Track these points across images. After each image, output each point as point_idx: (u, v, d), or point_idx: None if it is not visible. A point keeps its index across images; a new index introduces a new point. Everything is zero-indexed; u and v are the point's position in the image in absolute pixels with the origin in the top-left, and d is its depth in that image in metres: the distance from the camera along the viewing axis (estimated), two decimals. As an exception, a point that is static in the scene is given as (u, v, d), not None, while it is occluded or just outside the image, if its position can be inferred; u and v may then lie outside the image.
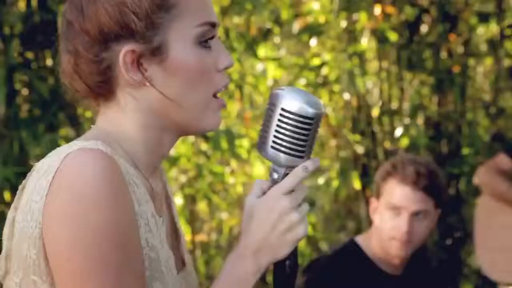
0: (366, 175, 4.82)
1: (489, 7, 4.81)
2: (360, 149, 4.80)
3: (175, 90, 1.14)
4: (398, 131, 4.63)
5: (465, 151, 4.75)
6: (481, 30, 5.01)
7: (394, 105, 4.79)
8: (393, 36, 4.58)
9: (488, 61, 5.14)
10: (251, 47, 4.01)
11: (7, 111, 3.29)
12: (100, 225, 1.03)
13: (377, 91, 4.82)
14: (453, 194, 4.77)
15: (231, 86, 4.39)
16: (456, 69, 4.82)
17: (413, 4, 4.60)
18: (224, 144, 3.76)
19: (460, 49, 4.79)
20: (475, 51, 4.94)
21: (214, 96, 1.18)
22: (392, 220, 2.30)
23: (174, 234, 1.27)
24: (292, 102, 1.14)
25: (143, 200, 1.13)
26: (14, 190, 3.45)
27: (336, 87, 4.73)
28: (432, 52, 4.69)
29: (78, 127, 3.59)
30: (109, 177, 1.04)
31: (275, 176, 1.17)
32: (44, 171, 1.07)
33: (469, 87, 4.95)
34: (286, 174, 1.16)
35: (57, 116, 3.39)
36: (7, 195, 3.37)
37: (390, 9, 4.58)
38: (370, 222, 4.69)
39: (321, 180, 4.92)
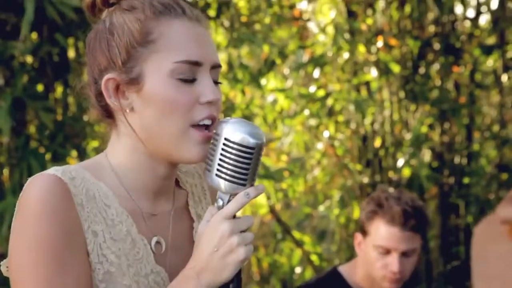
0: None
1: (492, 40, 4.85)
2: (365, 179, 4.84)
3: (151, 118, 1.26)
4: (400, 162, 4.66)
5: (469, 181, 4.77)
6: (487, 61, 5.05)
7: (398, 135, 4.83)
8: (396, 68, 4.63)
9: (494, 92, 5.18)
10: (255, 79, 4.08)
11: (17, 141, 3.37)
12: (34, 240, 1.19)
13: (381, 121, 4.86)
14: (457, 224, 4.79)
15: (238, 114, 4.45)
16: (463, 100, 4.86)
17: (416, 37, 4.66)
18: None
19: (466, 81, 4.83)
20: (480, 82, 4.97)
21: (197, 127, 1.25)
22: (381, 259, 2.31)
23: (191, 253, 1.34)
24: (234, 133, 1.22)
25: (111, 221, 1.25)
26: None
27: (341, 118, 4.79)
28: (436, 84, 4.74)
29: (85, 156, 3.66)
30: (48, 199, 1.20)
31: (220, 203, 1.24)
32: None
33: (477, 118, 4.98)
34: (230, 201, 1.24)
35: (64, 146, 3.46)
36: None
37: (393, 41, 4.64)
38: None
39: (321, 208, 4.96)
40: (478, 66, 4.92)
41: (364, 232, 2.36)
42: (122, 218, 1.27)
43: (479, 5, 4.85)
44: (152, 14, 1.27)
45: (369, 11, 4.73)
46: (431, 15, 4.64)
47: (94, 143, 3.96)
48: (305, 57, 5.10)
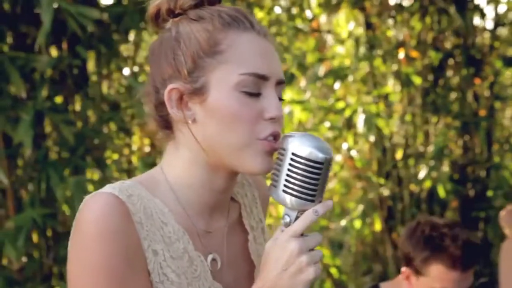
0: (391, 218, 4.81)
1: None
2: (385, 192, 4.80)
3: (214, 130, 1.23)
4: (421, 174, 4.62)
5: (491, 193, 4.72)
6: (507, 73, 5.01)
7: (419, 147, 4.79)
8: (417, 80, 4.60)
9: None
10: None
11: (36, 153, 3.36)
12: (94, 264, 1.16)
13: (402, 133, 4.83)
14: (480, 238, 4.73)
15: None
16: (482, 112, 4.81)
17: (437, 48, 4.63)
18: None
19: (486, 93, 4.79)
20: (501, 94, 4.93)
21: (265, 139, 1.22)
22: None
23: (250, 269, 1.32)
24: (302, 147, 1.18)
25: (168, 239, 1.22)
26: (41, 232, 3.50)
27: (361, 130, 4.76)
28: (457, 96, 4.70)
29: (105, 169, 3.64)
30: (107, 220, 1.16)
31: (287, 219, 1.21)
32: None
33: (496, 130, 4.93)
34: (297, 218, 1.20)
35: (84, 159, 3.44)
36: (35, 237, 3.41)
37: (414, 53, 4.61)
38: (396, 266, 4.68)
39: (343, 222, 4.92)
40: (498, 78, 4.87)
41: (418, 272, 2.28)
42: (178, 236, 1.24)
43: (497, 16, 4.82)
44: (220, 25, 1.24)
45: (390, 22, 4.70)
46: (452, 27, 4.61)
47: (114, 156, 3.95)
48: (321, 70, 5.08)
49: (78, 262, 1.18)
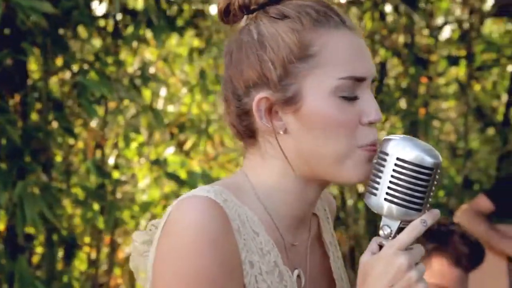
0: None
1: (458, 51, 4.87)
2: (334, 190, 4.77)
3: (310, 141, 1.12)
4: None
5: (440, 193, 4.76)
6: (451, 73, 5.07)
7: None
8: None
9: (457, 104, 5.20)
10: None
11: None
12: (192, 274, 1.05)
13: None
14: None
15: (211, 129, 4.33)
16: (423, 111, 4.84)
17: (385, 47, 4.63)
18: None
19: (432, 92, 4.82)
20: (444, 93, 4.98)
21: (364, 147, 1.13)
22: None
23: (330, 286, 1.23)
24: (408, 151, 1.08)
25: (260, 250, 1.12)
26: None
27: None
28: (405, 95, 4.71)
29: (50, 171, 3.48)
30: (208, 225, 1.06)
31: (388, 230, 1.10)
32: (164, 215, 1.11)
33: (439, 130, 4.98)
34: (401, 229, 1.10)
35: (29, 162, 3.28)
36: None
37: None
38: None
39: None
40: (444, 77, 4.92)
41: None
42: (269, 248, 1.13)
43: (445, 16, 4.86)
44: (310, 24, 1.12)
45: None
46: (400, 26, 4.61)
47: (58, 158, 3.77)
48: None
49: (172, 271, 1.06)
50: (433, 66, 4.81)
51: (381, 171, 1.09)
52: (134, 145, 4.29)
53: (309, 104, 1.11)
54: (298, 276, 1.17)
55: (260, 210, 1.14)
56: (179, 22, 3.87)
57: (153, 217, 4.39)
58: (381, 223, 1.11)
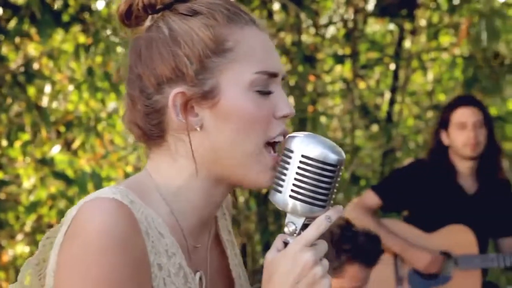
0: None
1: (344, 50, 4.99)
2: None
3: (226, 137, 1.12)
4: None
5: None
6: (336, 71, 5.18)
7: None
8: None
9: (343, 101, 5.32)
10: (115, 87, 3.89)
11: None
12: (101, 278, 1.03)
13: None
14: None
15: (100, 127, 4.24)
16: (311, 108, 4.93)
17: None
18: (90, 188, 3.58)
19: (320, 89, 4.91)
20: (331, 91, 5.09)
21: (268, 145, 1.13)
22: None
23: (229, 285, 1.23)
24: (312, 148, 1.09)
25: (166, 252, 1.11)
26: None
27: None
28: (292, 92, 4.78)
29: None
30: (116, 228, 1.03)
31: (293, 227, 1.11)
32: (66, 220, 1.08)
33: (326, 127, 5.08)
34: (305, 225, 1.10)
35: None
36: None
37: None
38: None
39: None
40: (330, 75, 5.03)
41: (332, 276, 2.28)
42: (174, 250, 1.11)
43: (330, 15, 4.96)
44: (223, 20, 1.13)
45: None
46: (288, 24, 4.67)
47: None
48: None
49: (81, 275, 1.02)
50: (320, 64, 4.91)
51: (286, 168, 1.10)
52: (18, 144, 4.14)
53: (226, 98, 1.12)
54: (200, 278, 1.16)
55: (164, 211, 1.13)
56: (65, 18, 3.76)
57: (40, 218, 4.25)
58: (286, 220, 1.11)
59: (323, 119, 5.04)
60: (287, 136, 1.13)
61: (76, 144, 4.36)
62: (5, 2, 3.56)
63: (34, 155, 4.22)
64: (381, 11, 4.81)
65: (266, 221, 4.70)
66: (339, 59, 4.91)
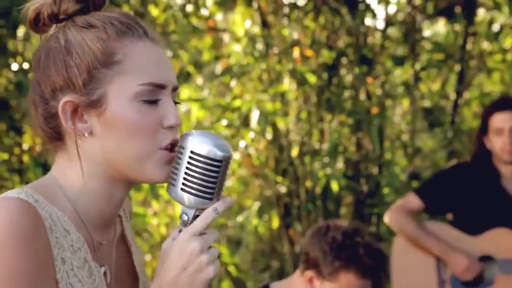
0: (288, 214, 4.87)
1: (403, 51, 4.96)
2: (282, 189, 4.85)
3: (114, 142, 1.21)
4: (317, 171, 4.70)
5: (385, 190, 4.85)
6: (397, 72, 5.16)
7: (314, 145, 4.87)
8: (312, 78, 4.68)
9: (405, 103, 5.30)
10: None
11: None
12: (8, 273, 1.11)
13: (298, 131, 4.89)
14: (373, 233, 4.86)
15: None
16: (374, 110, 4.94)
17: (330, 47, 4.72)
18: (145, 185, 3.73)
19: (377, 91, 4.92)
20: (392, 92, 5.08)
21: (166, 149, 1.22)
22: None
23: (133, 282, 1.32)
24: (201, 145, 1.19)
25: (71, 247, 1.20)
26: None
27: (258, 128, 4.79)
28: (350, 94, 4.81)
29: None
30: (21, 224, 1.12)
31: (185, 218, 1.21)
32: None
33: (387, 128, 5.07)
34: (196, 216, 1.20)
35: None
36: None
37: (309, 52, 4.68)
38: (294, 262, 4.74)
39: (240, 218, 4.95)
40: (390, 77, 5.02)
41: (325, 278, 2.31)
42: (79, 244, 1.22)
43: (387, 16, 4.95)
44: (114, 33, 1.22)
45: (285, 21, 4.76)
46: (344, 27, 4.70)
47: (4, 156, 3.80)
48: (218, 68, 5.09)
49: None
50: (378, 66, 4.91)
51: (179, 164, 1.21)
52: None
53: (112, 107, 1.21)
54: (105, 273, 1.26)
55: (69, 210, 1.23)
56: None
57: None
58: (181, 212, 1.22)
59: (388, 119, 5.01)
60: (182, 134, 1.22)
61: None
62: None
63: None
64: (441, 12, 4.77)
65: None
66: (399, 61, 4.89)
